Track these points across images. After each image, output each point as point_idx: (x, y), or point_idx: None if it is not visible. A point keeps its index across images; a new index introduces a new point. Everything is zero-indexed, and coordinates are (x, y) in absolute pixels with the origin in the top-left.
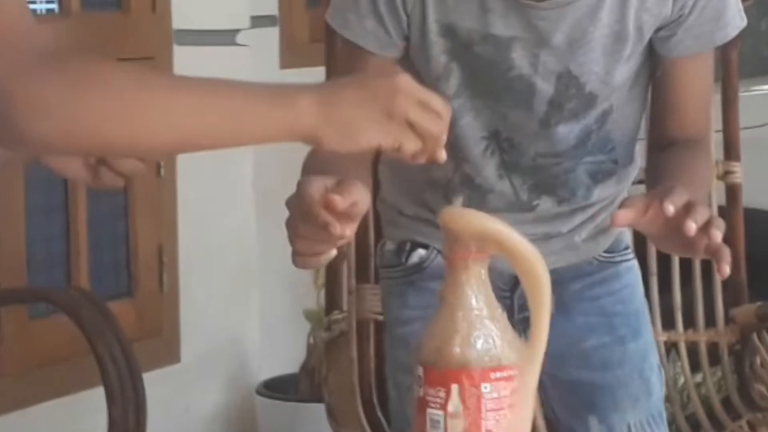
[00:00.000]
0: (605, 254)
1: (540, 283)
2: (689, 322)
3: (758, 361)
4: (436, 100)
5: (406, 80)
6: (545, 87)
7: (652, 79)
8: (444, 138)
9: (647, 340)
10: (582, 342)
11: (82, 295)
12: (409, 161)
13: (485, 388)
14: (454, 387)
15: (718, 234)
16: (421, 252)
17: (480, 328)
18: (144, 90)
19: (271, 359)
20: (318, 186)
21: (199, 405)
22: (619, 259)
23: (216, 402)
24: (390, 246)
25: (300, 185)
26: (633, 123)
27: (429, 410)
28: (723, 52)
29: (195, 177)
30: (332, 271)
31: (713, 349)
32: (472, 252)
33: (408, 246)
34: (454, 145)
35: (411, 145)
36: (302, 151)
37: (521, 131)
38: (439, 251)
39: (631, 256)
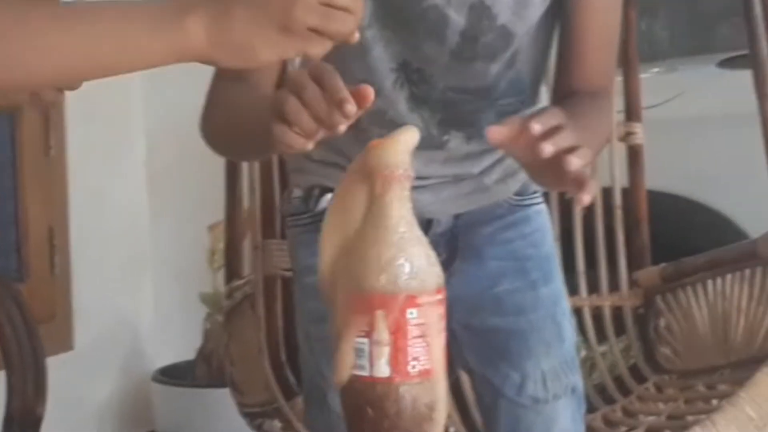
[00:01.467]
0: (515, 197)
1: None
2: (593, 287)
3: (662, 323)
4: None
5: None
6: (458, 18)
7: (559, 27)
8: (356, 26)
9: (558, 284)
10: (493, 287)
11: None
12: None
13: (411, 313)
14: (379, 313)
15: (574, 161)
16: (329, 197)
17: (404, 251)
18: (20, 23)
19: (166, 345)
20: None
21: (94, 393)
22: (528, 202)
23: (111, 389)
24: (297, 193)
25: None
26: (541, 65)
27: (353, 339)
28: (622, 11)
29: (86, 157)
30: (230, 239)
31: (617, 313)
32: (395, 172)
33: (317, 192)
34: (364, 79)
35: (318, 50)
36: (195, 134)
37: (432, 63)
38: None
39: (541, 199)
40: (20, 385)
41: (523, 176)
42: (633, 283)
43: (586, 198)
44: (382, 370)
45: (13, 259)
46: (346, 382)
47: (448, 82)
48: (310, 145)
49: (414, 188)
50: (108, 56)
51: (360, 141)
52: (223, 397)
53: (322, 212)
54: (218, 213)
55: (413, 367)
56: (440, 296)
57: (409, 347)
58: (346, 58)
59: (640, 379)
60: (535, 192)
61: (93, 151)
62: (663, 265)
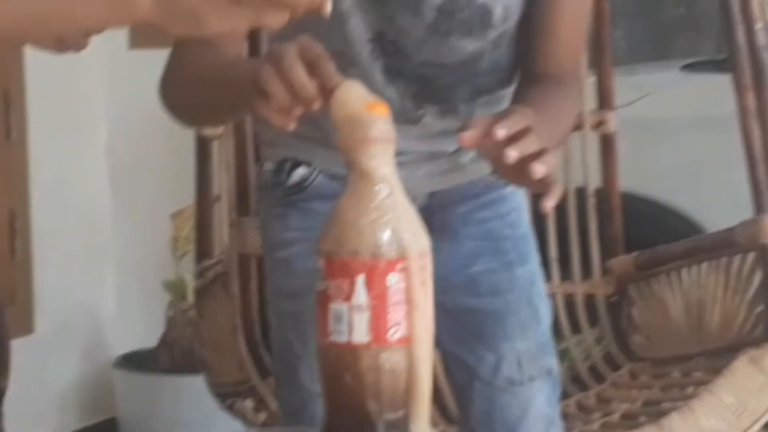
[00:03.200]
0: (491, 176)
1: None
2: (565, 274)
3: (635, 311)
4: None
5: None
6: None
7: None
8: None
9: (534, 265)
10: (468, 267)
11: None
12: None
13: (392, 279)
14: (359, 278)
15: (539, 168)
16: (302, 171)
17: (386, 215)
18: None
19: (128, 333)
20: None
21: (55, 378)
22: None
23: (72, 375)
24: (269, 166)
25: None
26: (522, 47)
27: (331, 304)
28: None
29: (47, 141)
30: (201, 218)
31: (590, 302)
32: (378, 135)
33: (288, 165)
34: (339, 50)
35: (275, 19)
36: (157, 120)
37: (407, 36)
38: (321, 170)
39: None
40: None
41: None
42: (606, 271)
43: (549, 203)
44: (361, 336)
45: None
46: (323, 349)
47: (422, 55)
48: (290, 125)
49: None
50: (56, 13)
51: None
52: (186, 384)
53: (294, 186)
54: (181, 201)
55: (393, 333)
56: (424, 261)
57: (390, 313)
58: (323, 27)
59: (615, 366)
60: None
61: (54, 136)
62: (636, 253)
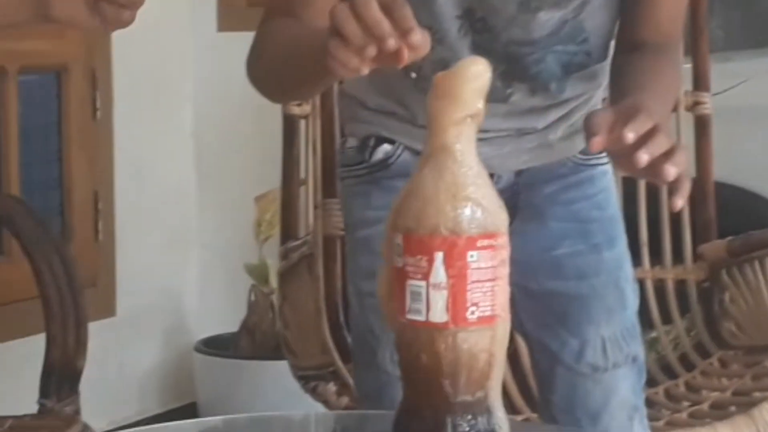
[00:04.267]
0: (580, 156)
1: None
2: (656, 259)
3: (727, 298)
4: None
5: None
6: None
7: None
8: None
9: (622, 249)
10: (554, 249)
11: (17, 202)
12: None
13: (472, 256)
14: (438, 255)
15: (672, 170)
16: (386, 147)
17: (467, 190)
18: None
19: (210, 317)
20: None
21: (135, 360)
22: (594, 162)
23: (153, 358)
24: (352, 143)
25: None
26: (607, 16)
27: (409, 281)
28: None
29: (132, 122)
30: (287, 198)
31: (680, 288)
32: (461, 109)
33: (372, 142)
34: (429, 26)
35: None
36: (243, 103)
37: (497, 13)
38: (406, 147)
39: (606, 160)
40: (61, 336)
41: None
42: (698, 257)
43: (680, 202)
44: (439, 315)
45: (57, 222)
46: (400, 328)
47: (511, 33)
48: (364, 69)
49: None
50: None
51: (419, 89)
52: (266, 369)
53: (378, 163)
54: (265, 184)
55: (472, 313)
56: (504, 240)
57: (469, 292)
58: (411, 3)
59: (705, 354)
60: (601, 151)
61: (140, 118)
62: (730, 238)
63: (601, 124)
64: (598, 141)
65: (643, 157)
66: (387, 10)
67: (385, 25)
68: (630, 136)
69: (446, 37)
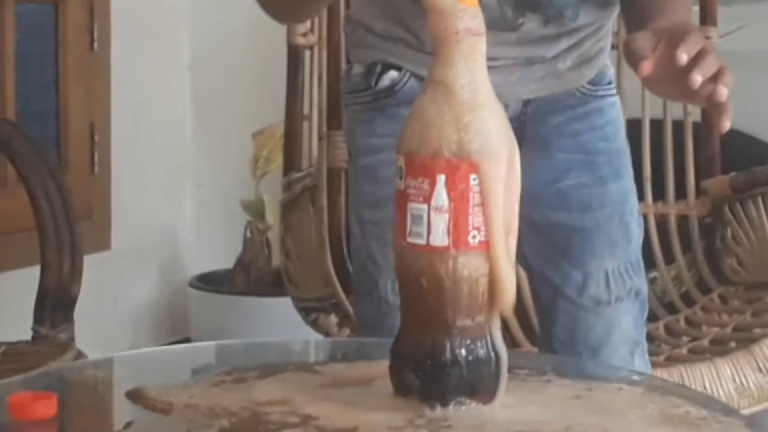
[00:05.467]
0: (588, 86)
1: None
2: (658, 194)
3: (729, 233)
4: None
5: None
6: None
7: None
8: None
9: (628, 182)
10: (559, 181)
11: (13, 126)
12: None
13: (475, 179)
14: (440, 177)
15: (724, 91)
16: (392, 74)
17: (471, 112)
18: None
19: (205, 253)
20: None
21: (130, 295)
22: (602, 93)
23: (147, 293)
24: (358, 69)
25: None
26: None
27: (410, 204)
28: None
29: (130, 55)
30: (290, 129)
31: (682, 223)
32: (465, 27)
33: (378, 68)
34: None
35: None
36: (241, 38)
37: None
38: (413, 74)
39: (615, 91)
40: (55, 262)
41: (598, 64)
42: (701, 193)
43: (726, 124)
44: (440, 238)
45: (53, 153)
46: (400, 251)
47: None
48: None
49: None
50: None
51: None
52: (260, 305)
53: (384, 90)
54: (262, 120)
55: (474, 237)
56: (511, 164)
57: (471, 216)
58: None
59: (705, 290)
60: (609, 82)
61: (138, 50)
62: (733, 174)
63: (646, 47)
64: (647, 64)
65: (697, 78)
66: None
67: None
68: (684, 57)
69: None
